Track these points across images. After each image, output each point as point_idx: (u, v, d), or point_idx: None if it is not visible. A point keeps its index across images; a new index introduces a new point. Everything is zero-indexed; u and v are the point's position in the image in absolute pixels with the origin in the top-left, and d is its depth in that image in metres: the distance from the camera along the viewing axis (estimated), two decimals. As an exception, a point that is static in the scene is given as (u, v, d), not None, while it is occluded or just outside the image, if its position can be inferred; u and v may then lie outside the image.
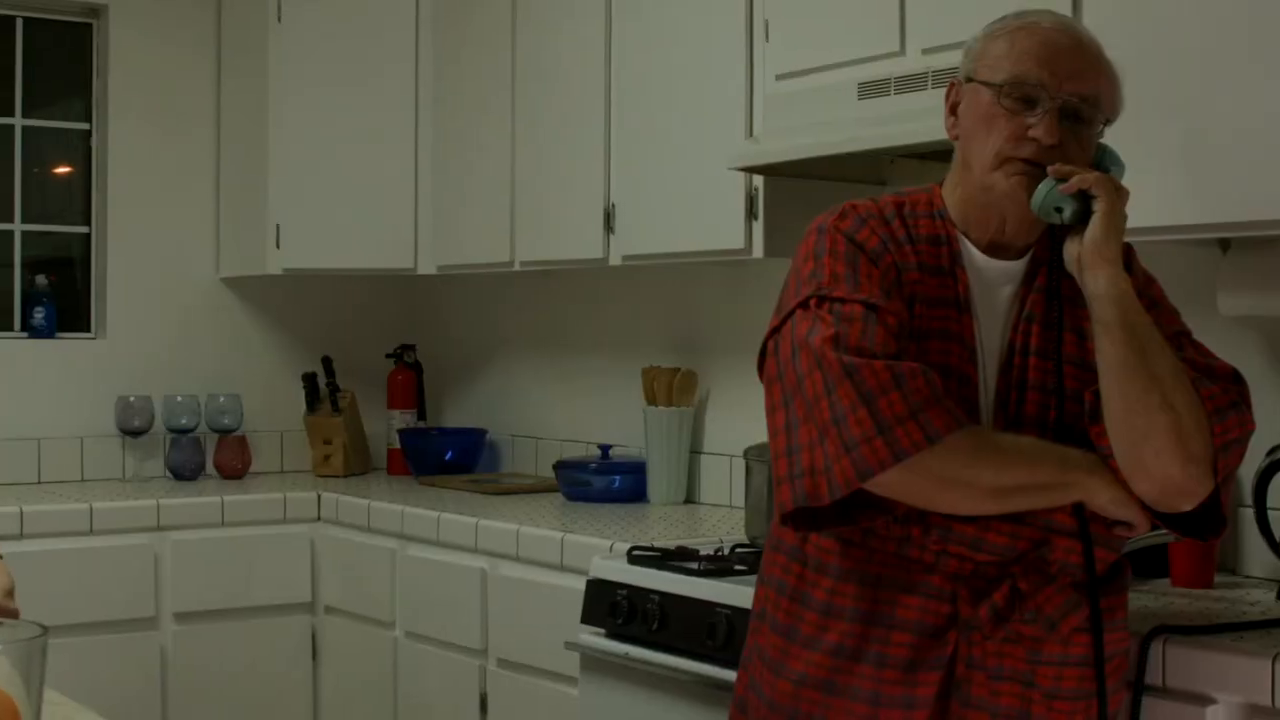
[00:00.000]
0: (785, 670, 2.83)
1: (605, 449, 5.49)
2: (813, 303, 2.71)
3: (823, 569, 2.80)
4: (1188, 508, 2.67)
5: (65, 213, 6.26)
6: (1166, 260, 3.26)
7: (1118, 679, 2.84)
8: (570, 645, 4.11)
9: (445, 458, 6.16)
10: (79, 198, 6.22)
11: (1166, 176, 3.27)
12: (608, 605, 4.03)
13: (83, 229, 6.20)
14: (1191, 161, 3.28)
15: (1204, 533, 2.76)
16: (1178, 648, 2.96)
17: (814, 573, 2.81)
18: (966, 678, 2.70)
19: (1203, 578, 3.56)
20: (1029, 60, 2.72)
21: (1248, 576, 3.74)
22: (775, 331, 2.79)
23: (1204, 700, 2.91)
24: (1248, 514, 3.58)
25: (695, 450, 5.35)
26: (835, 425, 2.59)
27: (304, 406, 6.37)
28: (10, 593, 3.67)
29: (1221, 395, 2.71)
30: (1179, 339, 2.79)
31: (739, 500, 4.99)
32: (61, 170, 6.30)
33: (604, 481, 5.34)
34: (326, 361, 6.34)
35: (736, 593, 3.71)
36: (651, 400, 5.28)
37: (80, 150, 6.22)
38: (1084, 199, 2.68)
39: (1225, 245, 3.55)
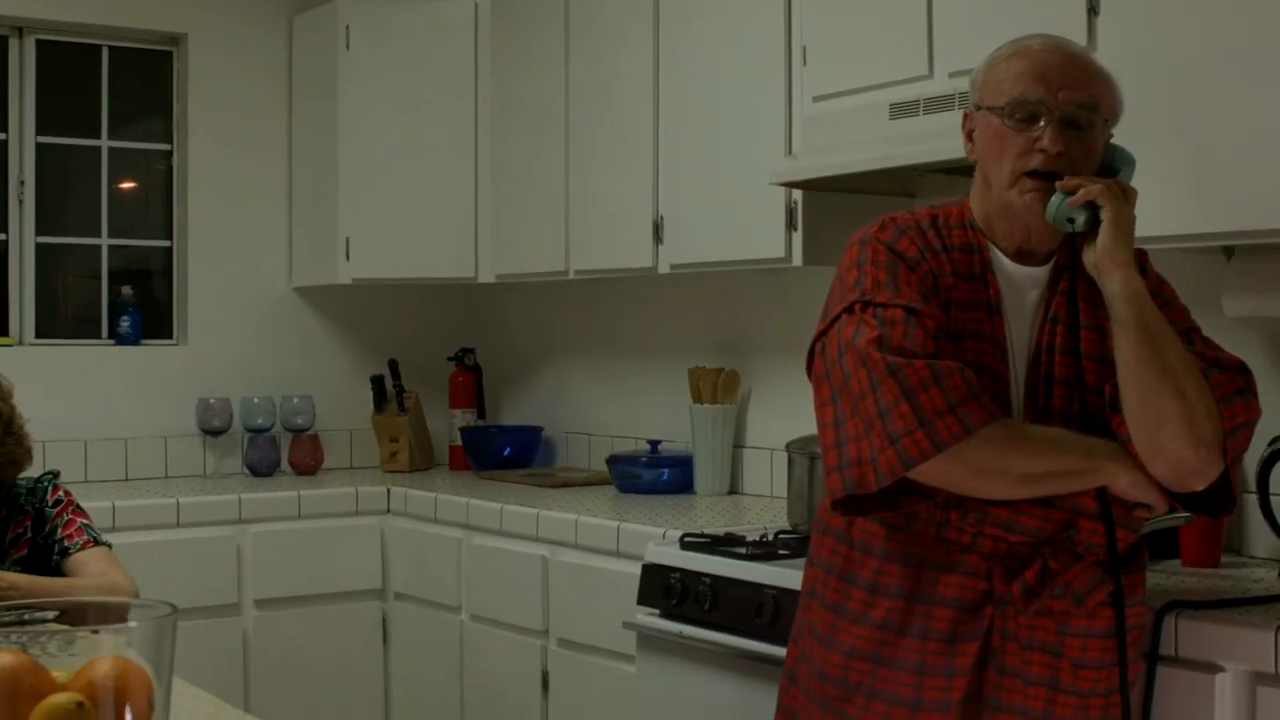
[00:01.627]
0: (835, 644, 2.87)
1: (654, 444, 5.47)
2: (857, 307, 2.75)
3: (869, 550, 2.84)
4: (1200, 487, 2.70)
5: (143, 227, 6.30)
6: (1176, 266, 3.27)
7: (1135, 650, 2.87)
8: (628, 625, 4.13)
9: (504, 453, 6.15)
10: (159, 213, 6.26)
11: (1175, 190, 3.30)
12: (662, 588, 4.05)
13: (164, 243, 6.22)
14: (1198, 177, 3.31)
15: (1216, 510, 2.81)
16: (1189, 621, 2.99)
17: (860, 554, 2.86)
18: (1001, 648, 2.75)
19: (1210, 558, 3.59)
20: (1026, 80, 2.77)
21: (1252, 557, 3.77)
22: (822, 334, 2.83)
23: (1213, 668, 2.95)
24: (1251, 499, 3.61)
25: (738, 444, 5.34)
26: (880, 419, 2.63)
27: (372, 407, 6.38)
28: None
29: (1229, 384, 2.74)
30: (1189, 334, 2.83)
31: (779, 490, 5.03)
32: (139, 187, 6.33)
33: (653, 474, 5.34)
34: (393, 364, 6.35)
35: (782, 575, 3.73)
36: (697, 398, 5.28)
37: (161, 169, 6.25)
38: (1093, 207, 2.72)
39: (1229, 252, 3.57)
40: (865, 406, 2.67)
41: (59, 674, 1.95)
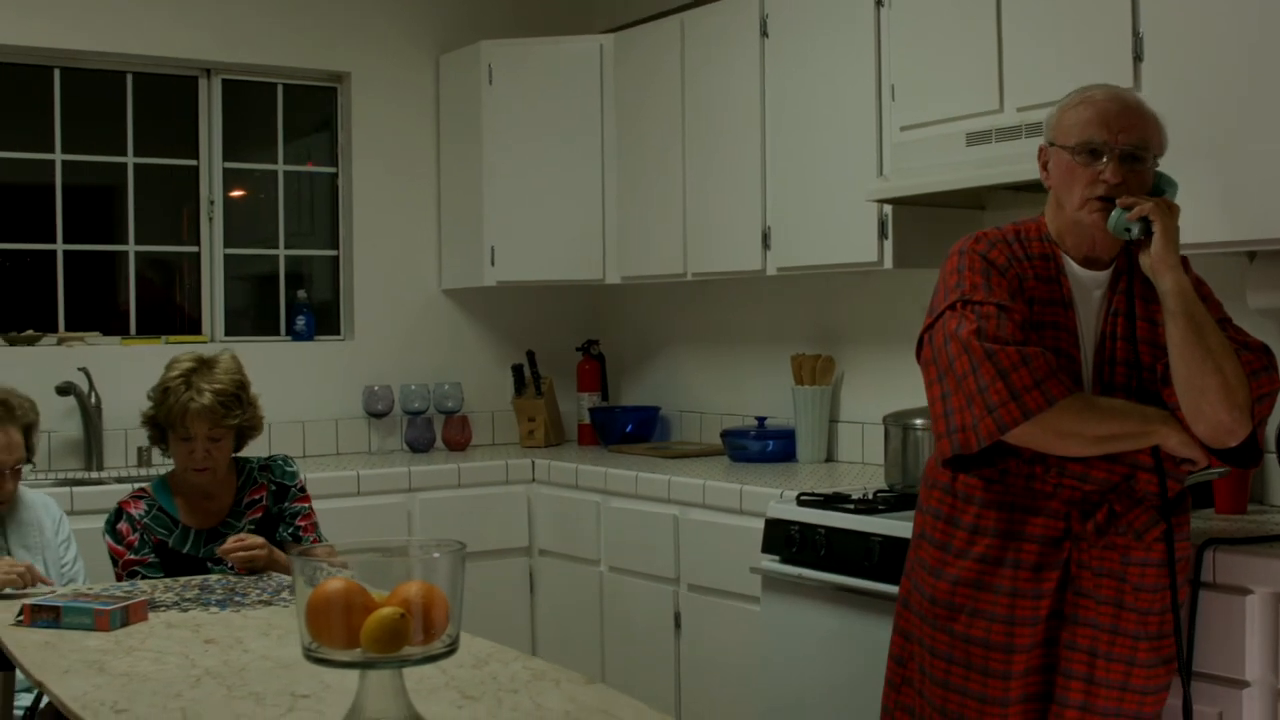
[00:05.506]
0: (943, 574, 3.16)
1: (761, 420, 5.70)
2: (959, 305, 3.05)
3: (969, 499, 3.14)
4: (1234, 444, 2.98)
5: (308, 238, 6.50)
6: (1208, 267, 3.47)
7: (1183, 576, 3.13)
8: (754, 570, 4.37)
9: (626, 430, 6.36)
10: (326, 226, 6.49)
11: (1208, 206, 3.51)
12: (783, 538, 4.31)
13: (331, 252, 6.48)
14: (1227, 195, 3.52)
15: (1246, 463, 3.08)
16: (1225, 554, 3.25)
17: (963, 503, 3.16)
18: (1077, 575, 3.05)
19: (1239, 506, 3.84)
20: (1091, 126, 3.07)
21: (1273, 505, 4.03)
22: (929, 327, 3.12)
23: (1244, 591, 3.21)
24: (1273, 459, 3.87)
25: (833, 419, 5.52)
26: (980, 394, 2.94)
27: (512, 391, 6.62)
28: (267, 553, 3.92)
29: (1255, 361, 3.03)
30: (1222, 323, 3.07)
31: (870, 458, 5.27)
32: (308, 204, 6.53)
33: (760, 445, 5.53)
34: (530, 354, 6.60)
35: (885, 525, 3.99)
36: (798, 381, 5.49)
37: (327, 189, 6.50)
38: (1146, 220, 3.01)
39: (1252, 256, 3.78)
40: (967, 384, 2.97)
41: (375, 594, 2.33)
